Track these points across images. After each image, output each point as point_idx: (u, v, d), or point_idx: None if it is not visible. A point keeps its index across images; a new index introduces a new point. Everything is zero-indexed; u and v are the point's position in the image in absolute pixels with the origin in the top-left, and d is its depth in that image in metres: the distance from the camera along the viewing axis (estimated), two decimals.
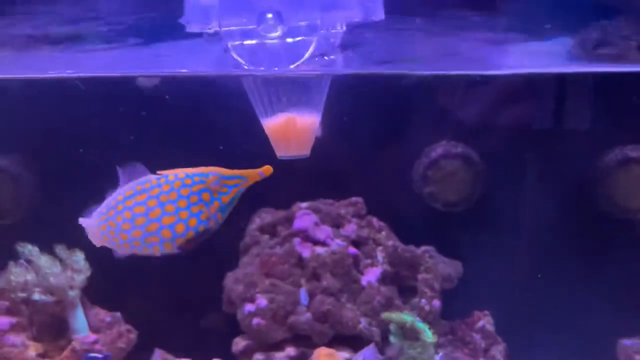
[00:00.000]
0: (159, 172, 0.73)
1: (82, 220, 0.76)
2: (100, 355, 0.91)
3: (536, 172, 1.57)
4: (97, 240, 0.76)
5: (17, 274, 1.36)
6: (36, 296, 1.37)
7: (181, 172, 0.72)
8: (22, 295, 1.36)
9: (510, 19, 0.95)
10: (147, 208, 0.72)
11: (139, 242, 0.73)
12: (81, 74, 0.91)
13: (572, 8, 0.95)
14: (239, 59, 0.70)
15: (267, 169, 0.74)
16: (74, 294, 1.40)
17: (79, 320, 1.41)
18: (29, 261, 1.37)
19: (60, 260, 1.40)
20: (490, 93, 1.52)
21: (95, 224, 0.74)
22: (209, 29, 0.71)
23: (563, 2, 0.96)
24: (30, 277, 1.36)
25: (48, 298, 1.38)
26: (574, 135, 1.53)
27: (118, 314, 1.46)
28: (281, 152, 0.81)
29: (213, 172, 0.73)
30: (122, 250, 0.74)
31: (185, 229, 0.72)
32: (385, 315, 1.33)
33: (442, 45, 0.93)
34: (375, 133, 1.53)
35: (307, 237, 1.46)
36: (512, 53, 0.98)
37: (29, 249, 1.38)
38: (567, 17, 0.95)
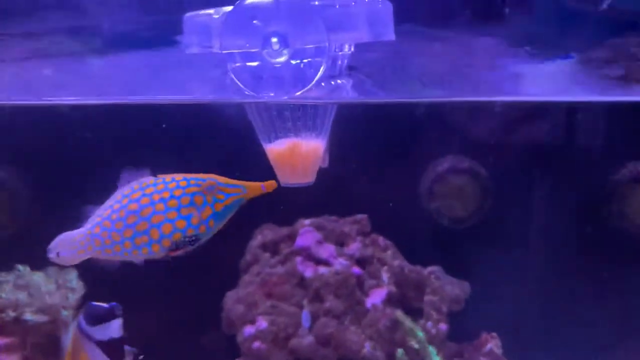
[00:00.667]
0: (159, 175, 0.73)
1: (64, 237, 0.74)
2: (105, 305, 0.88)
3: (546, 188, 1.54)
4: (78, 252, 0.74)
5: (8, 292, 1.32)
6: (28, 316, 1.33)
7: (180, 176, 0.72)
8: (13, 315, 1.32)
9: (518, 37, 0.92)
10: (139, 205, 0.72)
11: (130, 244, 0.72)
12: (77, 101, 0.88)
13: (580, 26, 0.92)
14: (239, 83, 0.66)
15: (270, 184, 0.73)
16: (67, 313, 1.36)
17: None
18: (20, 281, 1.34)
19: (54, 278, 1.36)
20: (499, 108, 1.48)
21: (86, 229, 0.74)
22: (210, 50, 0.68)
23: (570, 20, 0.93)
24: (21, 296, 1.32)
25: (40, 318, 1.34)
26: (585, 151, 1.50)
27: None
28: (285, 179, 0.77)
29: (211, 177, 0.72)
30: (112, 254, 0.73)
31: (172, 229, 0.72)
32: (399, 315, 1.30)
33: (450, 67, 0.90)
34: (381, 148, 1.49)
35: (310, 256, 1.42)
36: (520, 77, 0.95)
37: (20, 269, 1.35)
38: (574, 36, 0.93)
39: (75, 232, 0.74)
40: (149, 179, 0.72)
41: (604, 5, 0.84)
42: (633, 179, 1.50)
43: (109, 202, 0.73)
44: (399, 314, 1.33)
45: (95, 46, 0.92)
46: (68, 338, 1.37)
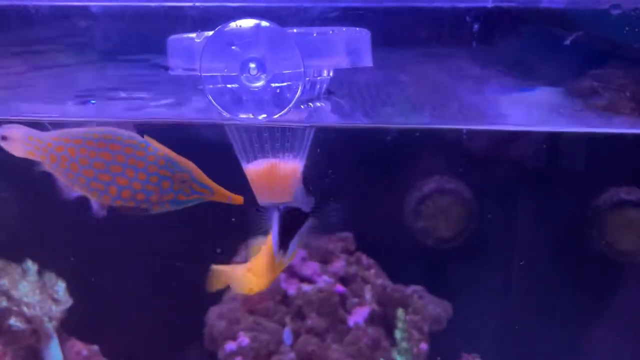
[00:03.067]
0: (146, 136, 0.72)
1: (21, 127, 0.73)
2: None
3: (529, 211, 1.55)
4: (26, 150, 0.73)
5: (12, 280, 1.32)
6: (12, 321, 1.33)
7: (163, 150, 0.72)
8: (4, 305, 1.31)
9: (503, 66, 0.94)
10: (112, 159, 0.71)
11: (84, 180, 0.72)
12: (59, 118, 0.90)
13: (565, 55, 0.94)
14: (218, 107, 0.68)
15: (237, 199, 0.74)
16: (51, 325, 1.36)
17: (54, 352, 1.37)
18: (22, 276, 1.35)
19: (41, 288, 1.37)
20: (485, 131, 1.51)
21: (48, 138, 0.72)
22: (193, 72, 0.70)
23: (556, 49, 0.95)
24: (16, 293, 1.32)
25: (23, 325, 1.34)
26: (568, 176, 1.52)
27: (95, 347, 1.42)
28: (263, 199, 0.78)
29: (188, 169, 0.72)
30: (60, 175, 0.73)
31: (130, 196, 0.72)
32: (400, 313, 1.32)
33: (433, 93, 0.92)
34: (367, 167, 1.51)
35: (294, 273, 1.43)
36: (504, 105, 0.97)
37: (29, 266, 1.36)
38: (559, 65, 0.95)
39: (38, 134, 0.72)
40: (134, 136, 0.71)
41: (567, 42, 0.87)
42: (614, 204, 1.52)
43: (85, 129, 0.72)
44: (401, 311, 1.34)
45: (87, 61, 0.94)
46: (49, 351, 1.37)
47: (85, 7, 0.87)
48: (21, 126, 0.73)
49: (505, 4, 0.87)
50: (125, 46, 0.87)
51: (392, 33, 0.80)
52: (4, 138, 0.72)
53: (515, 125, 1.10)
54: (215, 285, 0.90)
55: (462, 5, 0.85)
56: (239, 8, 0.69)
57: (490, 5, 0.86)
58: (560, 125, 1.07)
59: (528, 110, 1.00)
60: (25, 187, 1.48)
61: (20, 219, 1.51)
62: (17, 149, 0.73)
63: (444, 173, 1.54)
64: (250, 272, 0.86)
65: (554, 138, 1.51)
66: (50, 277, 1.39)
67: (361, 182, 1.51)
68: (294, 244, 0.82)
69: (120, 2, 0.83)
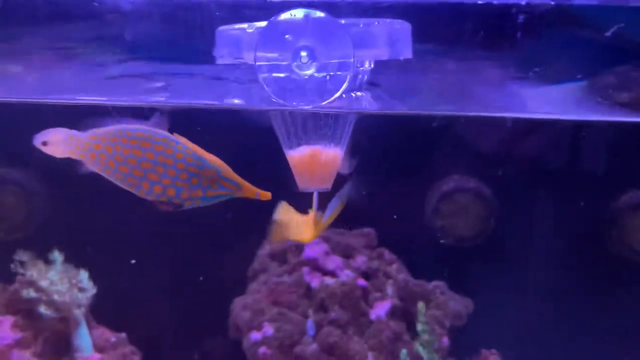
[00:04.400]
0: (176, 134, 0.75)
1: (61, 130, 0.76)
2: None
3: (548, 211, 1.57)
4: (67, 150, 0.76)
5: (39, 271, 1.35)
6: (42, 309, 1.36)
7: (192, 147, 0.75)
8: (33, 295, 1.34)
9: (526, 60, 0.96)
10: (143, 156, 0.74)
11: (121, 175, 0.76)
12: (102, 102, 0.93)
13: (589, 51, 0.95)
14: (270, 92, 0.70)
15: (265, 194, 0.76)
16: (79, 312, 1.39)
17: (83, 338, 1.40)
18: (49, 267, 1.37)
19: (68, 277, 1.40)
20: (505, 129, 1.52)
21: (86, 138, 0.76)
22: (241, 61, 0.73)
23: (579, 45, 0.97)
24: (44, 283, 1.34)
25: (53, 313, 1.37)
26: (588, 175, 1.53)
27: (123, 335, 1.45)
28: (303, 185, 0.81)
29: (216, 166, 0.75)
30: (101, 170, 0.76)
31: (161, 192, 0.75)
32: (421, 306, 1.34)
33: (460, 85, 0.94)
34: (389, 164, 1.53)
35: (317, 267, 1.45)
36: (528, 98, 0.99)
37: (55, 256, 1.38)
38: (583, 61, 0.96)
39: (77, 134, 0.76)
40: (164, 134, 0.75)
41: (609, 34, 0.89)
42: (634, 205, 1.53)
43: (120, 127, 0.75)
44: (421, 304, 1.35)
45: (119, 55, 0.96)
46: (77, 336, 1.40)
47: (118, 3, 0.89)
48: (61, 129, 0.77)
49: (536, 2, 0.90)
50: (161, 39, 0.90)
51: (430, 27, 0.83)
52: (45, 144, 0.76)
53: (538, 114, 1.12)
54: (277, 234, 0.93)
55: (495, 2, 0.87)
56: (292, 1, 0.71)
57: (523, 3, 0.88)
58: (583, 115, 1.08)
59: (552, 102, 1.02)
60: (50, 180, 1.51)
61: (46, 211, 1.54)
62: (58, 151, 0.76)
63: (465, 172, 1.56)
64: (305, 222, 0.89)
65: (574, 139, 1.52)
66: (73, 266, 1.42)
67: (385, 178, 1.53)
68: (332, 204, 0.85)
69: None
